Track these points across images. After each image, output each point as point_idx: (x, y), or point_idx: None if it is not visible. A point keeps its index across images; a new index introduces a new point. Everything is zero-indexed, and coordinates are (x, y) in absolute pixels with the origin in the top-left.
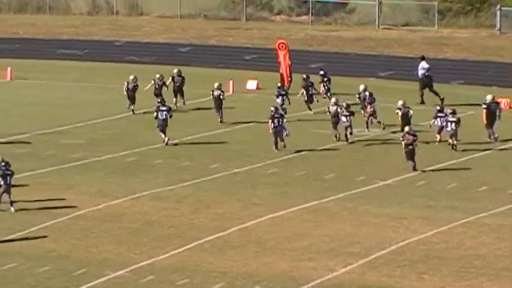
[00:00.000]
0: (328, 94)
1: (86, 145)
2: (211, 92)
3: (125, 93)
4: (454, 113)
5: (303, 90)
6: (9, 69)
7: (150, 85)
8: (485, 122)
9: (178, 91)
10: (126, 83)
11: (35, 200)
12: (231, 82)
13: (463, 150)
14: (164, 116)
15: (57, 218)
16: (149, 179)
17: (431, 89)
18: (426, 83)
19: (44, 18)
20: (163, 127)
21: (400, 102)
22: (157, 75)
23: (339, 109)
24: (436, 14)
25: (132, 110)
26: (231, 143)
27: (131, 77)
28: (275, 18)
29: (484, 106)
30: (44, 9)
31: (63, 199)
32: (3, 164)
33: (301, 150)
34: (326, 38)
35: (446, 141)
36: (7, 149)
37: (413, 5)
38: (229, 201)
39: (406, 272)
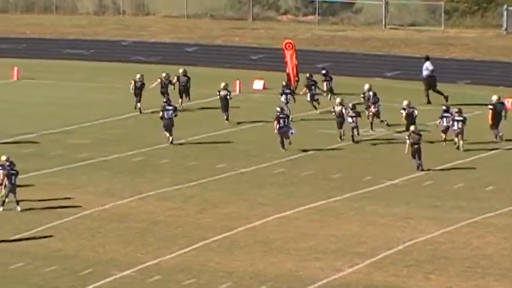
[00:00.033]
0: (330, 93)
1: (93, 145)
2: (217, 93)
3: (132, 91)
4: (460, 112)
5: (305, 89)
6: (16, 69)
7: (156, 83)
8: (490, 122)
9: (184, 91)
10: (133, 82)
11: (42, 200)
12: (237, 82)
13: (465, 150)
14: (170, 115)
15: (64, 217)
16: (155, 178)
17: (434, 89)
18: (430, 83)
19: (51, 18)
20: (168, 126)
21: (405, 102)
22: (164, 74)
23: (343, 110)
24: (443, 14)
25: (139, 109)
26: (238, 143)
27: (138, 76)
28: (281, 18)
29: (490, 107)
30: (51, 9)
31: (70, 199)
32: (7, 164)
33: (307, 150)
34: (333, 38)
35: (452, 140)
36: (14, 148)
37: (420, 5)
38: (235, 201)
39: (413, 272)
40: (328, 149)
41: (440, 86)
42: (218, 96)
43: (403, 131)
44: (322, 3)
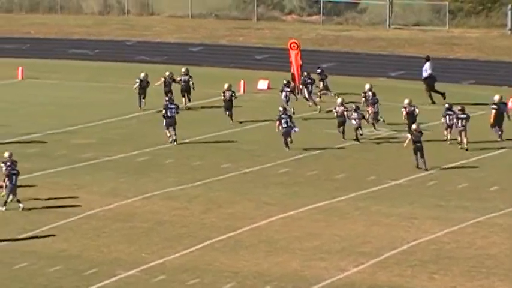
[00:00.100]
0: (327, 90)
1: (97, 145)
2: (222, 94)
3: (136, 90)
4: (463, 110)
5: (302, 86)
6: (20, 69)
7: (160, 82)
8: (491, 121)
9: (186, 90)
10: (138, 81)
11: (46, 200)
12: (242, 82)
13: (466, 150)
14: (173, 113)
15: (68, 217)
16: (160, 178)
17: (433, 89)
18: (429, 83)
19: (55, 18)
20: (171, 124)
21: (406, 101)
22: (167, 73)
23: (345, 111)
24: (447, 14)
25: (143, 105)
26: (242, 143)
27: (142, 74)
28: (286, 18)
29: (494, 107)
30: (55, 9)
31: (74, 198)
32: (8, 163)
33: (310, 149)
34: (337, 38)
35: (456, 139)
36: (18, 148)
37: (425, 5)
38: (240, 201)
39: (417, 271)
40: (332, 149)
41: (444, 86)
42: (222, 97)
43: (405, 130)
44: (327, 3)
